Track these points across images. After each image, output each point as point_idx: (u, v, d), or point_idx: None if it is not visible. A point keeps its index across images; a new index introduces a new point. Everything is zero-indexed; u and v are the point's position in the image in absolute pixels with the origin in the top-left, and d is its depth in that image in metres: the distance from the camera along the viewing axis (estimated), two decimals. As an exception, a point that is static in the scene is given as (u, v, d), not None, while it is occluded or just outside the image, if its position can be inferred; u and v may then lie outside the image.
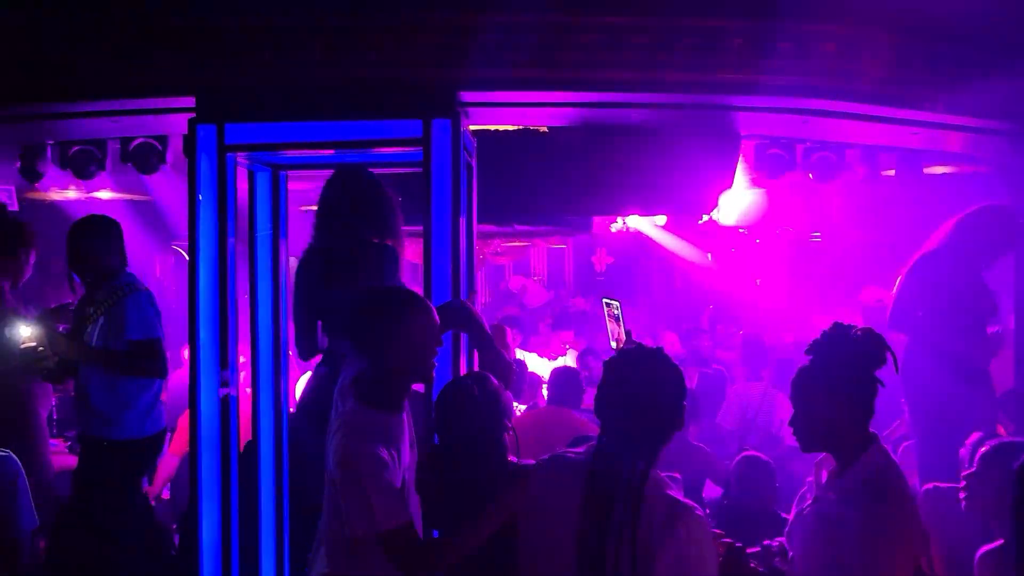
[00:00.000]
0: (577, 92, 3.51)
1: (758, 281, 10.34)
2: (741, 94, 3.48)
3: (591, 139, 4.47)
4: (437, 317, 2.50)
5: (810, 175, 4.84)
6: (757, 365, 6.11)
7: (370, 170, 3.59)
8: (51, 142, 4.84)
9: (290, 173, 4.03)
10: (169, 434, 4.48)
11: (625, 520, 1.94)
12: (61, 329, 3.78)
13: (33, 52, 3.57)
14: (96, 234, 3.75)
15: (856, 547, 2.17)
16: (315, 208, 3.54)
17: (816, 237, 11.18)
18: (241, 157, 3.60)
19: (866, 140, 4.65)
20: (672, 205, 5.33)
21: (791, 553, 2.48)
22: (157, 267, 9.98)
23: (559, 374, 5.10)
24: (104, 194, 7.44)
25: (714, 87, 3.41)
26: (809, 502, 2.42)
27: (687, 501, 2.00)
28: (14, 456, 2.36)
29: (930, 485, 3.33)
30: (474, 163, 3.91)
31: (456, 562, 2.34)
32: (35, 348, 3.60)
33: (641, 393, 2.04)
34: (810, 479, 2.48)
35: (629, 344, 2.46)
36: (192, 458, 3.47)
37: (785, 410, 4.66)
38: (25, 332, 3.60)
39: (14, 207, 6.69)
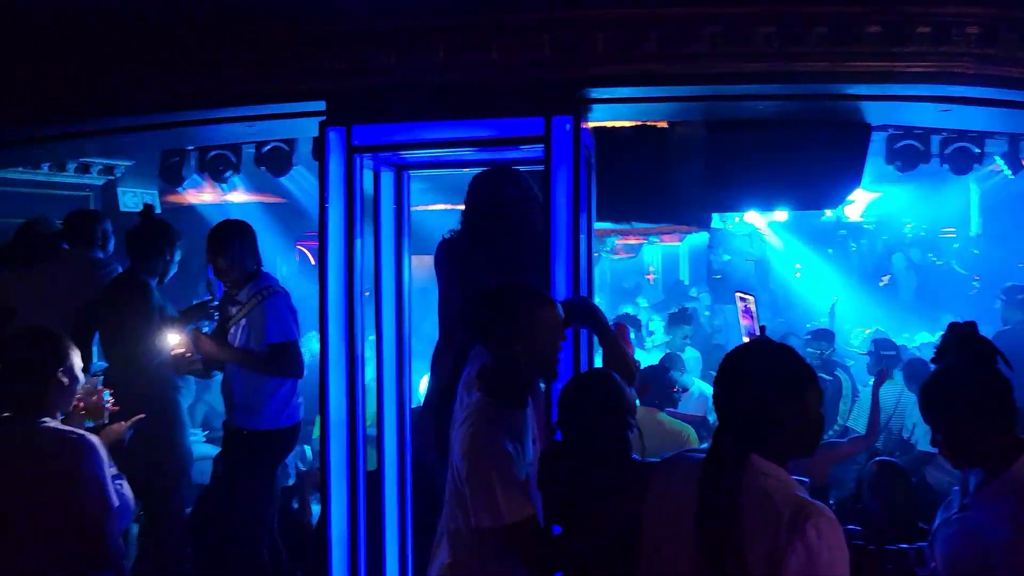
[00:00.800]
0: (702, 85, 3.42)
1: (885, 279, 9.89)
2: (875, 83, 3.32)
3: (713, 133, 4.36)
4: (562, 313, 2.51)
5: (946, 166, 4.58)
6: (889, 365, 5.83)
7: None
8: (191, 148, 5.13)
9: (411, 173, 4.14)
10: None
11: (733, 507, 1.87)
12: (204, 327, 4.01)
13: (177, 61, 3.77)
14: (233, 238, 3.95)
15: (1007, 558, 2.04)
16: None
17: (947, 232, 10.58)
18: (367, 158, 3.71)
19: (1012, 129, 4.36)
20: (797, 200, 5.15)
21: (932, 563, 2.36)
22: (284, 266, 10.43)
23: (646, 374, 4.88)
24: (236, 196, 7.82)
25: (847, 77, 3.26)
26: (956, 509, 2.30)
27: (816, 502, 1.91)
28: (87, 440, 2.50)
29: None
30: (593, 160, 3.90)
31: (577, 558, 2.33)
32: (184, 355, 3.81)
33: (761, 388, 1.96)
34: (956, 488, 2.35)
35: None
36: (321, 448, 3.61)
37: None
38: (174, 340, 3.81)
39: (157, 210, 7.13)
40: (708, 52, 3.25)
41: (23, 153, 4.92)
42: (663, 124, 4.97)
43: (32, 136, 4.22)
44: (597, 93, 3.52)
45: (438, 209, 7.56)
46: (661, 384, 4.83)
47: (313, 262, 10.96)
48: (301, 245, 10.65)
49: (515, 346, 2.41)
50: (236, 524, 3.92)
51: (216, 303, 4.04)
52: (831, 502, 4.68)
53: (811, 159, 4.33)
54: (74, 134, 4.22)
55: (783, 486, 1.90)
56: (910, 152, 4.51)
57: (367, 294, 3.70)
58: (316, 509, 4.45)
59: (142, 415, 3.13)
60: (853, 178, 4.48)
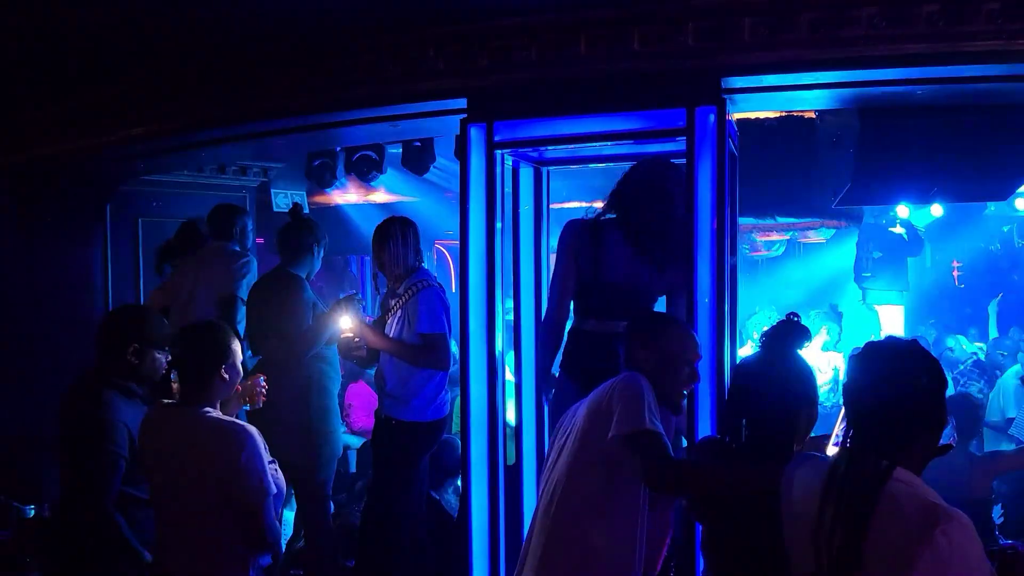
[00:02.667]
0: (853, 70, 3.24)
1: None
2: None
3: (864, 121, 4.13)
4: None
5: None
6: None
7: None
8: (338, 149, 5.35)
9: (551, 169, 4.14)
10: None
11: (863, 519, 1.77)
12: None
13: (322, 64, 3.94)
14: (396, 234, 4.08)
15: None
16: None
17: None
18: (507, 154, 3.74)
19: None
20: (959, 192, 4.81)
21: None
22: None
23: None
24: (378, 197, 8.09)
25: (1021, 56, 3.00)
26: None
27: (949, 507, 1.75)
28: (246, 429, 2.61)
29: None
30: (737, 153, 3.77)
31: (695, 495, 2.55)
32: (352, 338, 3.97)
33: (884, 386, 1.85)
34: None
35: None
36: (463, 441, 3.67)
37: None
38: (346, 324, 3.97)
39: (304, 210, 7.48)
40: (864, 35, 3.06)
41: (189, 157, 5.27)
42: (810, 114, 4.77)
43: (204, 139, 4.52)
44: (742, 82, 3.39)
45: (571, 207, 7.57)
46: None
47: (450, 261, 11.20)
48: (439, 244, 10.88)
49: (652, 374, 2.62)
50: (377, 511, 4.05)
51: (361, 296, 4.18)
52: (999, 516, 4.35)
53: (976, 147, 4.03)
54: (231, 138, 4.47)
55: (913, 490, 1.78)
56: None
57: (508, 318, 3.78)
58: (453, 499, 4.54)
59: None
60: (1024, 167, 4.15)
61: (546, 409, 3.85)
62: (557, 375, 3.66)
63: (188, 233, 5.10)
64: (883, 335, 4.14)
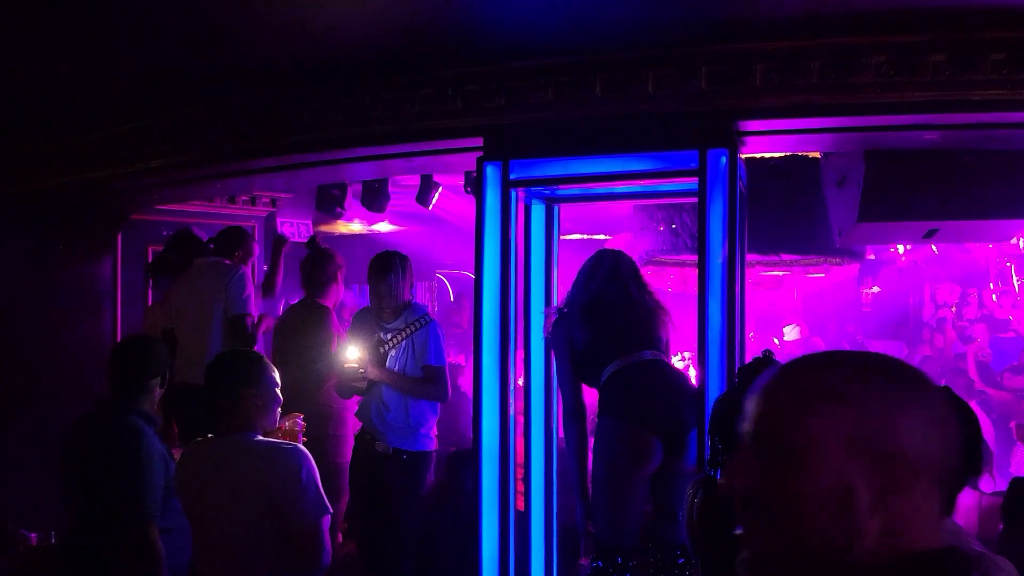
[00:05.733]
0: (864, 116, 3.33)
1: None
2: (1058, 110, 3.14)
3: (869, 163, 4.22)
4: None
5: None
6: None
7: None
8: (349, 182, 5.42)
9: (560, 206, 4.21)
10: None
11: None
12: None
13: (339, 104, 4.02)
14: (395, 267, 4.13)
15: None
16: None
17: None
18: (520, 191, 3.81)
19: None
20: (959, 233, 4.89)
21: None
22: (420, 294, 10.75)
23: None
24: (382, 227, 8.16)
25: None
26: None
27: (991, 555, 1.77)
28: (301, 449, 2.65)
29: None
30: (746, 192, 3.85)
31: None
32: (356, 369, 4.00)
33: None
34: None
35: None
36: (473, 472, 3.70)
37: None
38: (352, 354, 4.01)
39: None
40: (873, 82, 3.16)
41: (203, 188, 5.34)
42: (815, 153, 4.86)
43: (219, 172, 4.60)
44: (753, 126, 3.49)
45: (574, 239, 7.67)
46: None
47: (451, 292, 11.26)
48: (440, 273, 10.95)
49: None
50: (391, 542, 4.07)
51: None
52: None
53: (978, 190, 4.12)
54: (257, 170, 4.55)
55: (952, 539, 1.70)
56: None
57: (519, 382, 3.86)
58: None
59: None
60: (1025, 210, 4.23)
61: (555, 455, 3.92)
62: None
63: (181, 242, 4.94)
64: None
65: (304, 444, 3.16)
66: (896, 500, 0.96)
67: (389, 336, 4.11)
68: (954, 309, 10.46)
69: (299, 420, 3.21)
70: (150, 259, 5.85)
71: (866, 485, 0.96)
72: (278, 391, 2.74)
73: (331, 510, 2.66)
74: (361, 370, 3.99)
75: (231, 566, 2.64)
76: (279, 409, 2.77)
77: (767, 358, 2.60)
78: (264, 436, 2.73)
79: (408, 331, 4.06)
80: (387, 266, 4.12)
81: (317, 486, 2.61)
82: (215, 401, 2.69)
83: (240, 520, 2.60)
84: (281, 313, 4.63)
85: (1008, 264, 9.83)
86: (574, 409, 3.66)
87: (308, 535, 2.60)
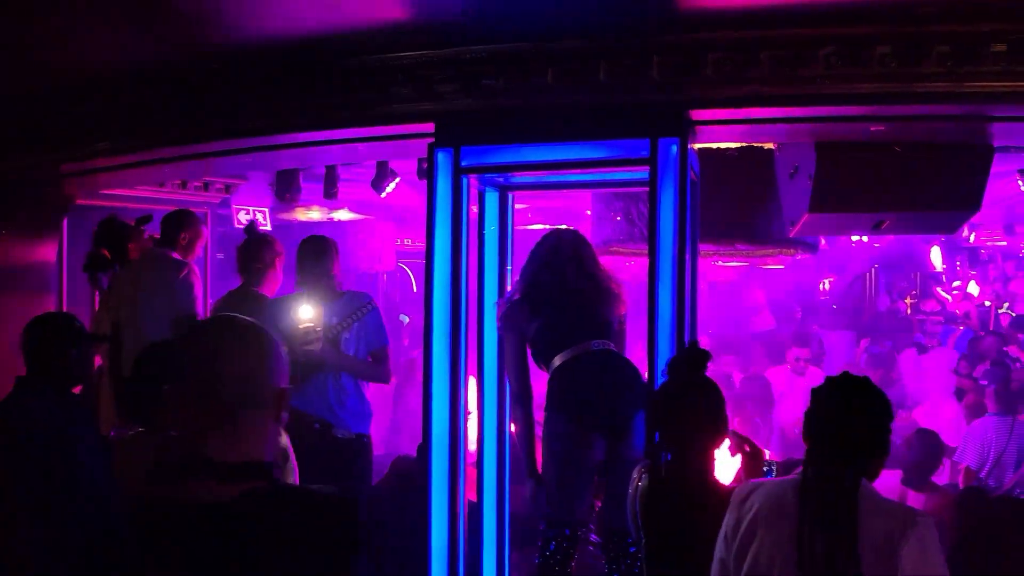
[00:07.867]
0: (813, 107, 3.35)
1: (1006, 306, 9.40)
2: (1001, 103, 3.17)
3: (821, 154, 4.25)
4: None
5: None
6: (1012, 399, 5.54)
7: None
8: (303, 168, 5.33)
9: (515, 194, 4.19)
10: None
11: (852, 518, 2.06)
12: None
13: (289, 86, 3.94)
14: (331, 252, 4.11)
15: None
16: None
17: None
18: (473, 179, 3.78)
19: None
20: (909, 225, 4.95)
21: None
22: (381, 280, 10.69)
23: None
24: (341, 214, 8.09)
25: (969, 97, 3.13)
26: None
27: (915, 508, 2.11)
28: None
29: None
30: (698, 181, 3.86)
31: None
32: (313, 328, 3.89)
33: (853, 416, 2.15)
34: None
35: None
36: (422, 465, 3.67)
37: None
38: (307, 314, 3.90)
39: (267, 227, 7.43)
40: (822, 74, 3.18)
41: (151, 172, 5.20)
42: (769, 145, 4.88)
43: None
44: (705, 115, 3.49)
45: (534, 229, 7.66)
46: None
47: (412, 278, 11.19)
48: (402, 263, 10.89)
49: None
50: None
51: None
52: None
53: (926, 182, 4.17)
54: (206, 153, 4.43)
55: (880, 497, 2.15)
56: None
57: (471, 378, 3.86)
58: None
59: None
60: (972, 202, 4.29)
61: (507, 445, 3.91)
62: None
63: (107, 231, 4.72)
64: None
65: None
66: None
67: (337, 320, 4.05)
68: (909, 301, 10.66)
69: None
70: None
71: None
72: None
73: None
74: (318, 329, 3.89)
75: None
76: None
77: (692, 351, 2.74)
78: None
79: (359, 314, 4.03)
80: (324, 248, 4.09)
81: None
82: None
83: None
84: (217, 301, 4.51)
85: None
86: (519, 392, 3.71)
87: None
